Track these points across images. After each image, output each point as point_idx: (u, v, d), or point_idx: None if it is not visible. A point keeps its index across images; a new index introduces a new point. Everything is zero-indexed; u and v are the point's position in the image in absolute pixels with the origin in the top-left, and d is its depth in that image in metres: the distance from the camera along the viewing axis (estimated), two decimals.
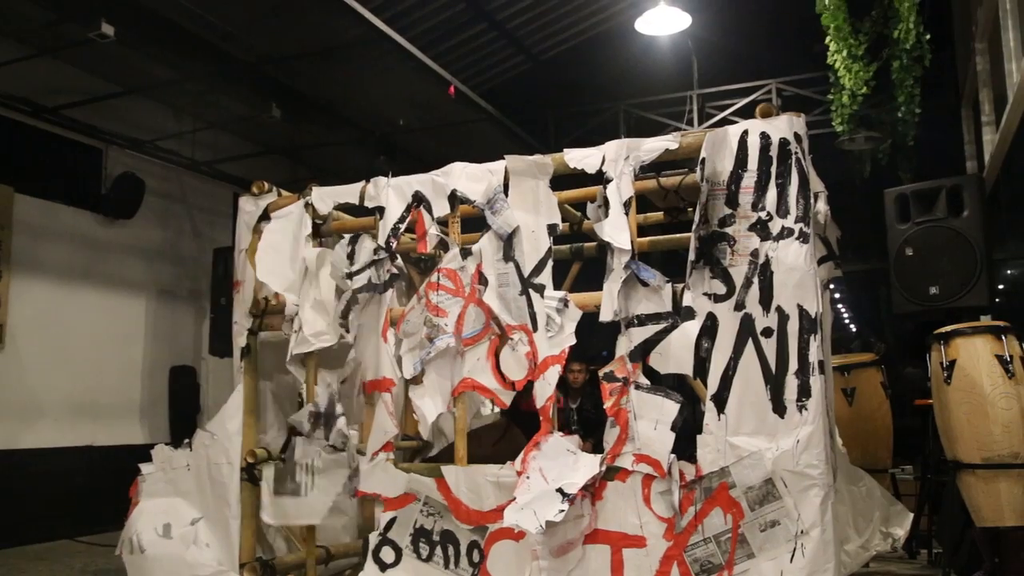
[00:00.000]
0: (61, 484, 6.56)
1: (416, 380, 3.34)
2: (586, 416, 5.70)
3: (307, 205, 3.70)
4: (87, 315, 7.16)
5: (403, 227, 3.49)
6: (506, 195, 3.31)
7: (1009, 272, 6.43)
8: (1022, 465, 3.50)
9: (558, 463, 2.99)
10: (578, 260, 4.12)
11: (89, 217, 7.26)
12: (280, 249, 3.74)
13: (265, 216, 3.86)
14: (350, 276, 3.51)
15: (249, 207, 3.90)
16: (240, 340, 3.78)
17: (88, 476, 6.64)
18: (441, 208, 3.43)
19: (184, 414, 7.75)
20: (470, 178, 3.38)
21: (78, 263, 7.13)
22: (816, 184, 3.10)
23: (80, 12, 5.54)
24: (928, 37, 6.79)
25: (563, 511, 2.84)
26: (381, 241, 3.48)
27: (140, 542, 3.52)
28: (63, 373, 6.87)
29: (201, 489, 3.63)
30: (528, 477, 2.96)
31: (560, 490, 2.88)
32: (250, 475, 3.59)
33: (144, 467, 3.78)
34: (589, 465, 2.95)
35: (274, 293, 3.67)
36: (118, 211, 7.43)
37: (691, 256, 2.99)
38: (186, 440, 3.78)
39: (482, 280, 3.28)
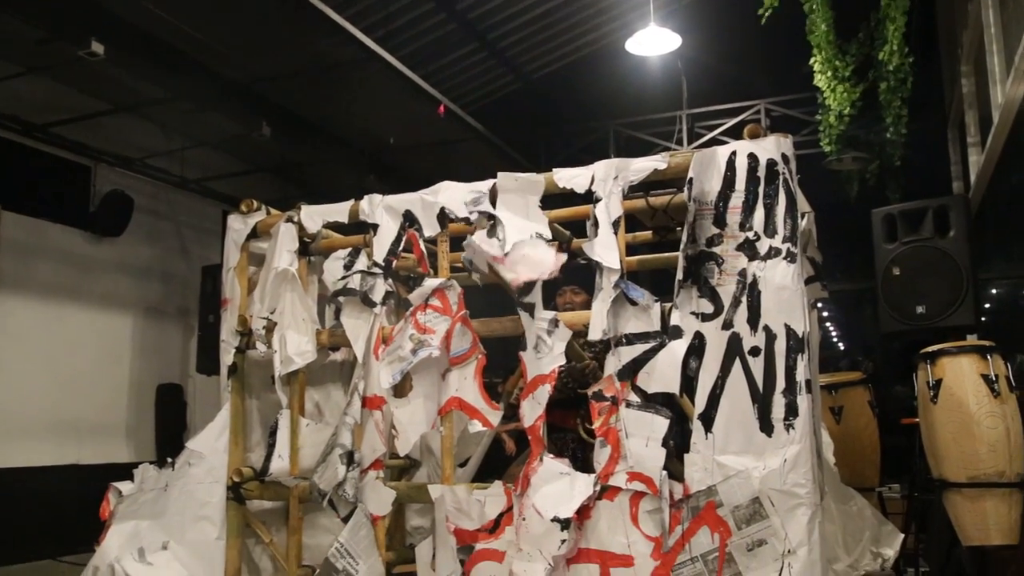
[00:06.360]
0: (45, 503, 6.49)
1: (401, 396, 3.34)
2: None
3: (289, 220, 3.70)
4: (74, 333, 7.12)
5: (400, 247, 3.50)
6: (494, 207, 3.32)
7: (995, 292, 6.48)
8: (1007, 484, 3.51)
9: (552, 490, 2.97)
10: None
11: (77, 235, 7.25)
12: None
13: (254, 234, 3.86)
14: (342, 280, 3.52)
15: (237, 225, 3.89)
16: (227, 358, 3.76)
17: (73, 495, 6.55)
18: (431, 227, 3.44)
19: (171, 432, 7.71)
20: (458, 196, 3.39)
21: (66, 281, 7.10)
22: (803, 205, 3.12)
23: (70, 30, 5.54)
24: (912, 59, 6.87)
25: (565, 540, 2.84)
26: (379, 259, 3.48)
27: (125, 570, 3.45)
28: (49, 391, 6.83)
29: (180, 510, 3.58)
30: (524, 519, 2.95)
31: (556, 518, 2.88)
32: (236, 494, 3.57)
33: (123, 486, 3.73)
34: (584, 487, 2.94)
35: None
36: (106, 229, 7.42)
37: (679, 275, 3.01)
38: (169, 460, 3.74)
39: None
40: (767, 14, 6.36)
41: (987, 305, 6.02)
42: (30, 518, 6.34)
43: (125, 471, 3.89)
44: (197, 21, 5.88)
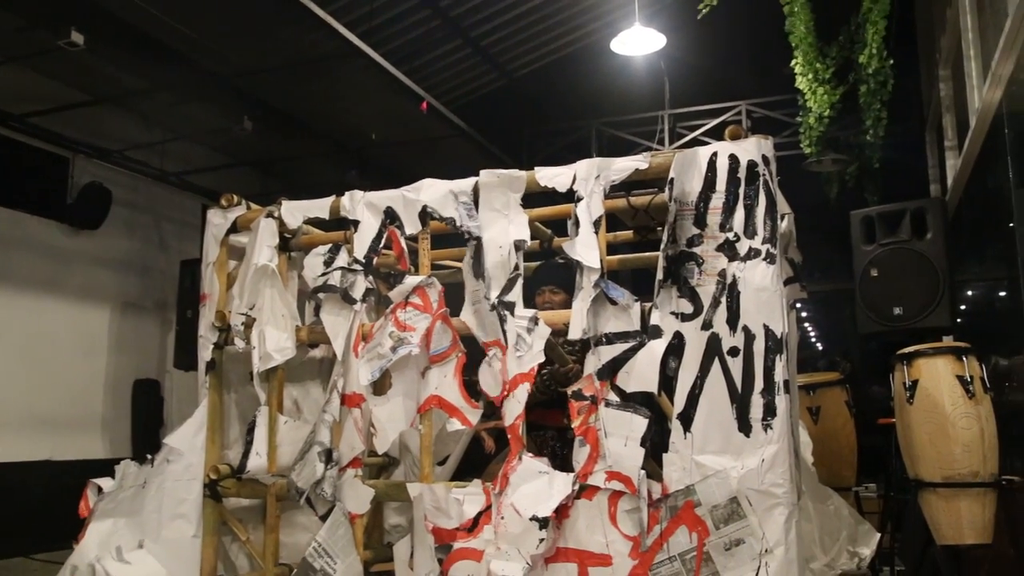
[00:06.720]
0: (18, 499, 6.42)
1: (380, 394, 3.33)
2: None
3: (270, 215, 3.68)
4: (50, 326, 7.05)
5: (381, 244, 3.49)
6: (477, 209, 3.32)
7: (970, 294, 6.55)
8: (981, 484, 3.55)
9: (531, 489, 2.98)
10: None
11: (54, 227, 7.17)
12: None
13: (233, 229, 3.84)
14: (323, 276, 3.50)
15: (217, 219, 3.87)
16: (205, 354, 3.73)
17: (46, 491, 6.49)
18: (412, 224, 3.43)
19: (147, 428, 7.64)
20: (440, 194, 3.39)
21: (42, 273, 7.02)
22: (783, 206, 3.14)
23: (49, 20, 5.48)
24: (892, 62, 6.93)
25: (543, 540, 2.84)
26: (359, 255, 3.47)
27: (105, 569, 3.41)
28: (23, 385, 6.75)
29: (157, 508, 3.54)
30: (503, 518, 2.95)
31: (535, 517, 2.88)
32: (212, 491, 3.54)
33: (103, 483, 3.69)
34: (563, 486, 2.95)
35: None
36: (84, 221, 7.34)
37: (659, 275, 3.02)
38: (149, 456, 3.71)
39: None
40: (705, 11, 6.41)
41: (963, 307, 6.09)
42: (1, 514, 6.26)
43: (100, 467, 3.85)
44: (179, 13, 5.83)
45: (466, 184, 3.36)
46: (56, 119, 6.86)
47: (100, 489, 3.70)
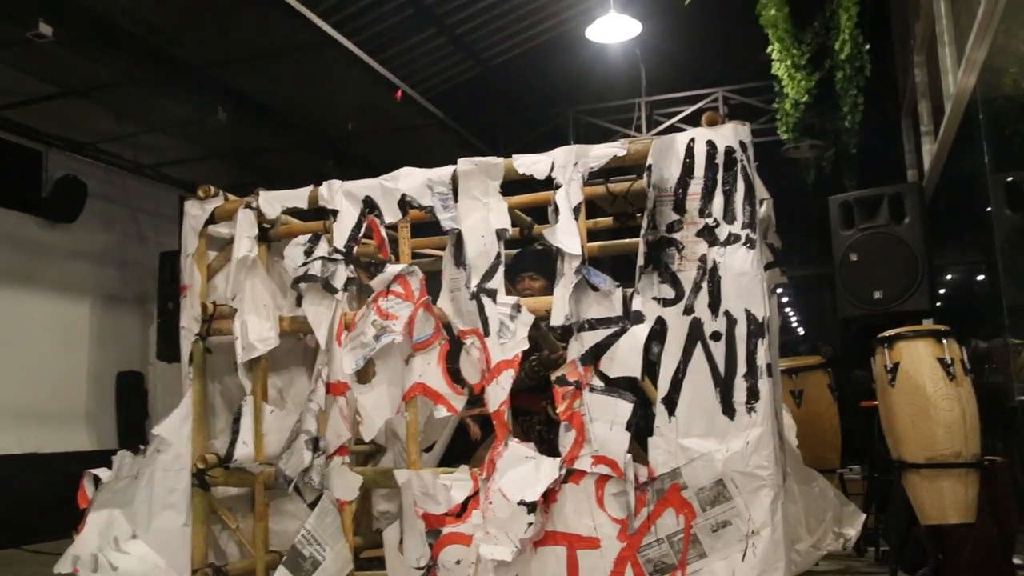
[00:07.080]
0: (6, 492, 6.38)
1: (364, 382, 3.32)
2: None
3: (248, 206, 3.65)
4: (30, 320, 6.98)
5: (361, 233, 3.47)
6: (456, 198, 3.31)
7: (949, 277, 6.63)
8: (964, 464, 3.60)
9: (518, 474, 2.98)
10: None
11: (30, 221, 7.09)
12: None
13: (211, 220, 3.81)
14: (303, 266, 3.48)
15: (195, 211, 3.83)
16: (187, 345, 3.71)
17: (34, 484, 6.45)
18: (391, 213, 3.42)
19: (132, 420, 7.63)
20: (418, 183, 3.38)
21: (19, 268, 6.95)
22: (761, 192, 3.15)
23: (16, 11, 5.38)
24: (868, 47, 6.96)
25: (532, 524, 2.85)
26: (339, 245, 3.45)
27: (109, 560, 3.38)
28: (6, 380, 6.69)
29: (147, 498, 3.53)
30: (491, 503, 2.96)
31: (523, 502, 2.89)
32: (200, 480, 3.53)
33: (102, 474, 3.66)
34: (550, 470, 2.96)
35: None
36: (60, 214, 7.26)
37: (640, 261, 3.02)
38: (141, 447, 3.68)
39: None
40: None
41: (941, 290, 6.16)
42: None
43: (87, 459, 3.83)
44: (149, 3, 5.75)
45: (444, 172, 3.35)
46: (27, 112, 6.76)
47: (97, 479, 3.68)
